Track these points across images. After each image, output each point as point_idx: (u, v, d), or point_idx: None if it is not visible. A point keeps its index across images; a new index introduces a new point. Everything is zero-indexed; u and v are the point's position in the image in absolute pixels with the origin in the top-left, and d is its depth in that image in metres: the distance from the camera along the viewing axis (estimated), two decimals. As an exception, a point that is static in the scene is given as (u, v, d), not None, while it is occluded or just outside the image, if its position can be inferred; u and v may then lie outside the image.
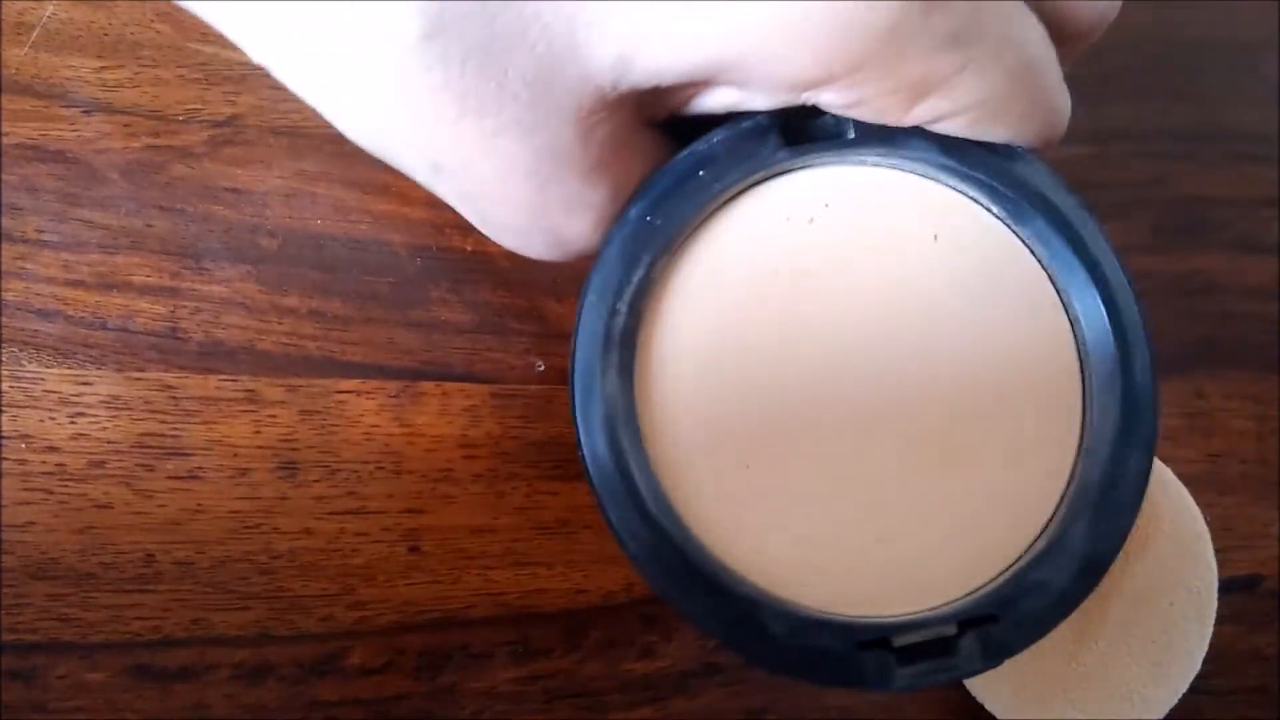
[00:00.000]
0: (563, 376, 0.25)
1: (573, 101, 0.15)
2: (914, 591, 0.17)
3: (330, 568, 0.23)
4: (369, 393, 0.24)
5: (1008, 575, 0.17)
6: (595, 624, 0.25)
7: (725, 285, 0.18)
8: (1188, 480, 0.28)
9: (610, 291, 0.17)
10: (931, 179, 0.18)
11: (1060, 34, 0.17)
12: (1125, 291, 0.17)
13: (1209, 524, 0.28)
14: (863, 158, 0.18)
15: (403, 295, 0.25)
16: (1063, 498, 0.17)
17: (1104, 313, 0.17)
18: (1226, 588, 0.28)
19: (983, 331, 0.18)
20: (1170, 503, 0.28)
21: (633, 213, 0.17)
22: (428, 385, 0.25)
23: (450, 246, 0.26)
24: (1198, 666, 0.27)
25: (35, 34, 0.25)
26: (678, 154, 0.17)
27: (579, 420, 0.17)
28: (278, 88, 0.27)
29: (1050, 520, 0.17)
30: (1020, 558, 0.17)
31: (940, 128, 0.17)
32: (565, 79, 0.15)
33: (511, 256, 0.26)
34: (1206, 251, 0.31)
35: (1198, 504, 0.28)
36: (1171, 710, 0.27)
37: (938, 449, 0.18)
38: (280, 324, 0.25)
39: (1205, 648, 0.27)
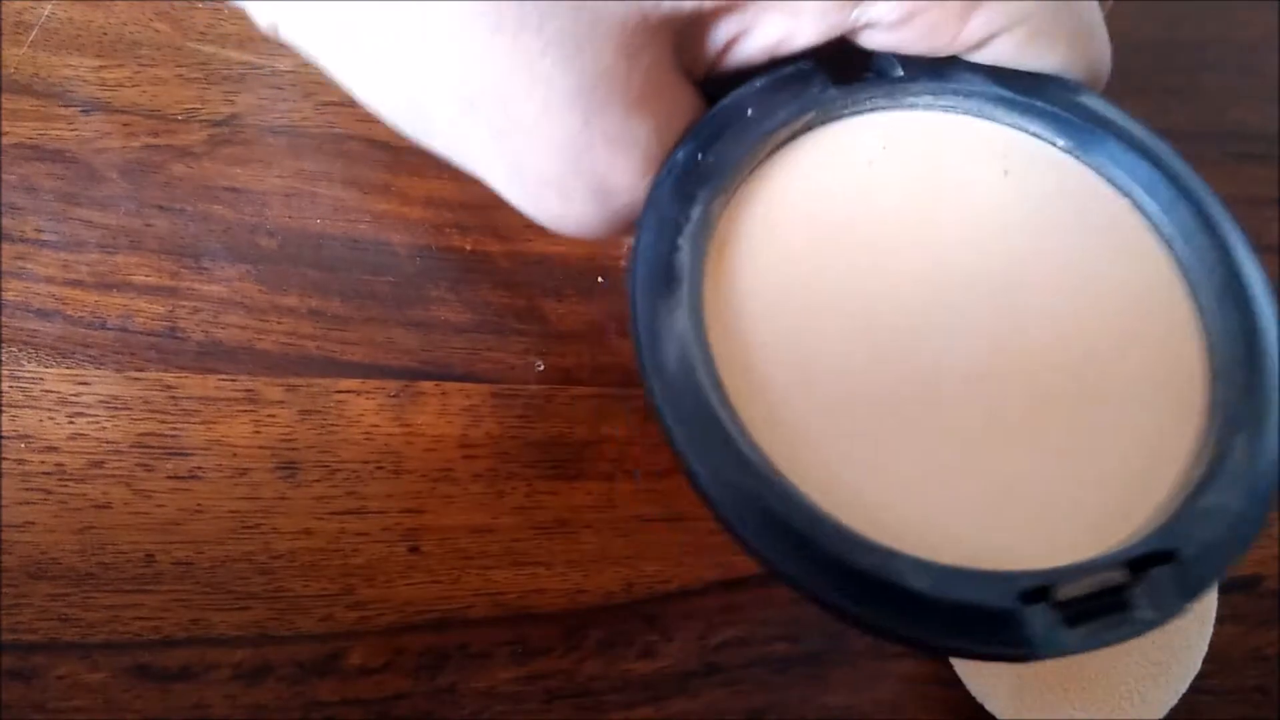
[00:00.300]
0: (563, 376, 0.25)
1: (617, 19, 0.15)
2: (1065, 541, 0.15)
3: (330, 568, 0.23)
4: (368, 392, 0.24)
5: (1175, 507, 0.15)
6: (595, 624, 0.25)
7: (789, 231, 0.17)
8: (1188, 480, 0.28)
9: (668, 228, 0.16)
10: (988, 118, 0.17)
11: None
12: (1212, 198, 0.17)
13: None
14: (914, 100, 0.17)
15: (402, 295, 0.25)
16: (1209, 419, 0.16)
17: (1198, 221, 0.16)
18: (1226, 588, 0.28)
19: (1075, 263, 0.16)
20: (1170, 503, 0.28)
21: (681, 154, 0.16)
22: (427, 385, 0.25)
23: (450, 246, 0.26)
24: (1198, 666, 0.27)
25: (34, 33, 0.25)
26: (722, 100, 0.17)
27: (652, 364, 0.15)
28: (277, 87, 0.27)
29: (1203, 445, 0.15)
30: (1178, 489, 0.15)
31: (991, 51, 0.16)
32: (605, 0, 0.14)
33: (511, 256, 0.26)
34: (1206, 251, 0.30)
35: (1198, 504, 0.28)
36: (1171, 710, 0.27)
37: (1058, 388, 0.16)
38: (279, 324, 0.24)
39: (1205, 648, 0.27)
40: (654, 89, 0.16)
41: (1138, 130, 0.17)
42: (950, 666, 0.26)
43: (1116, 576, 0.14)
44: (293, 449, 0.24)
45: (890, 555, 0.13)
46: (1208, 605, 0.28)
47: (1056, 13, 0.16)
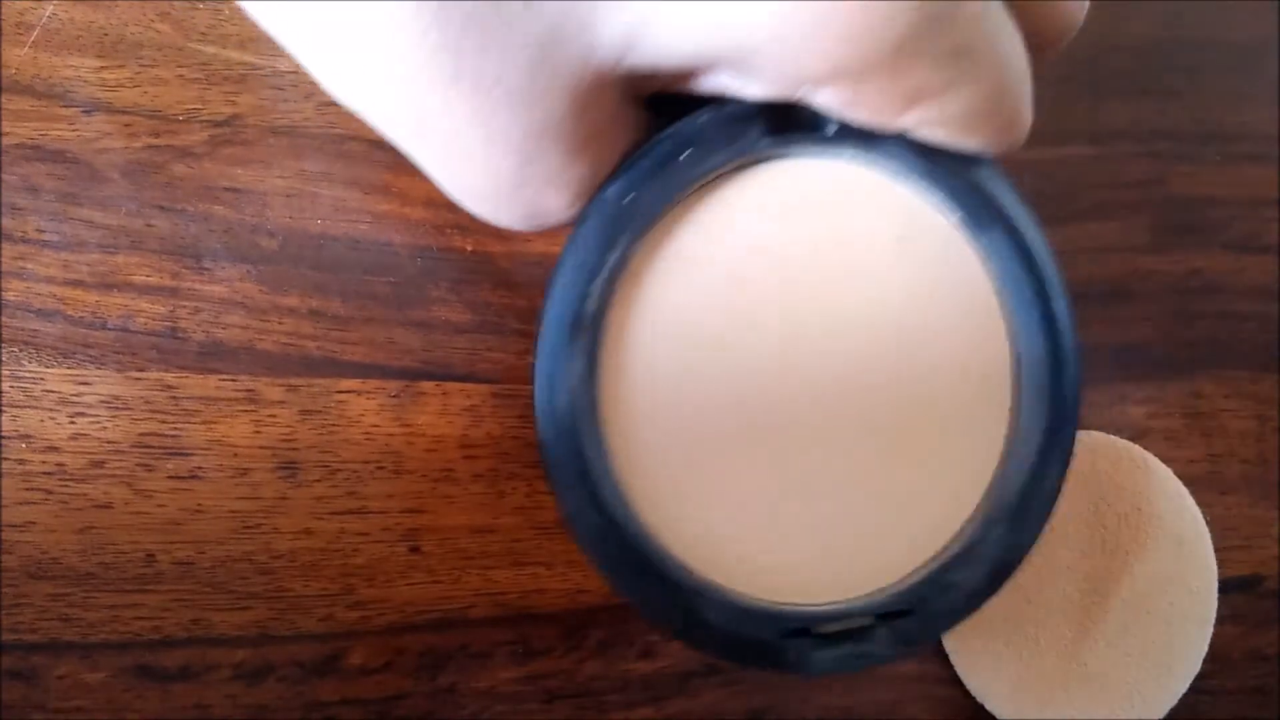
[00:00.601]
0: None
1: (573, 77, 0.15)
2: (840, 582, 0.18)
3: (330, 568, 0.23)
4: (369, 393, 0.24)
5: (924, 574, 0.18)
6: (595, 624, 0.25)
7: (693, 272, 0.18)
8: (1188, 480, 0.28)
9: (584, 274, 0.17)
10: (901, 181, 0.18)
11: (1031, 43, 0.17)
12: (1064, 310, 0.18)
13: (1209, 524, 0.28)
14: (839, 153, 0.18)
15: (403, 295, 0.25)
16: (981, 504, 0.18)
17: (1042, 328, 0.18)
18: (1226, 588, 0.28)
19: (927, 335, 0.18)
20: (1170, 503, 0.28)
21: (611, 192, 0.17)
22: (428, 385, 0.25)
23: (450, 246, 0.26)
24: (1198, 666, 0.27)
25: (35, 34, 0.25)
26: (660, 133, 0.17)
27: (539, 405, 0.17)
28: (278, 88, 0.27)
29: (967, 523, 0.18)
30: (937, 557, 0.18)
31: (920, 133, 0.17)
32: (568, 52, 0.15)
33: (512, 257, 0.26)
34: (1206, 251, 0.30)
35: (1198, 504, 0.28)
36: (1171, 710, 0.27)
37: (872, 447, 0.18)
38: (280, 324, 0.25)
39: (1205, 648, 0.27)
40: (597, 133, 0.16)
41: (1023, 223, 0.18)
42: (950, 666, 0.26)
43: (865, 620, 0.18)
44: (293, 449, 0.24)
45: (698, 594, 0.17)
46: (1208, 605, 0.28)
47: (987, 111, 0.16)
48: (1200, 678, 0.27)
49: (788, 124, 0.17)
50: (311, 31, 0.15)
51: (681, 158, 0.17)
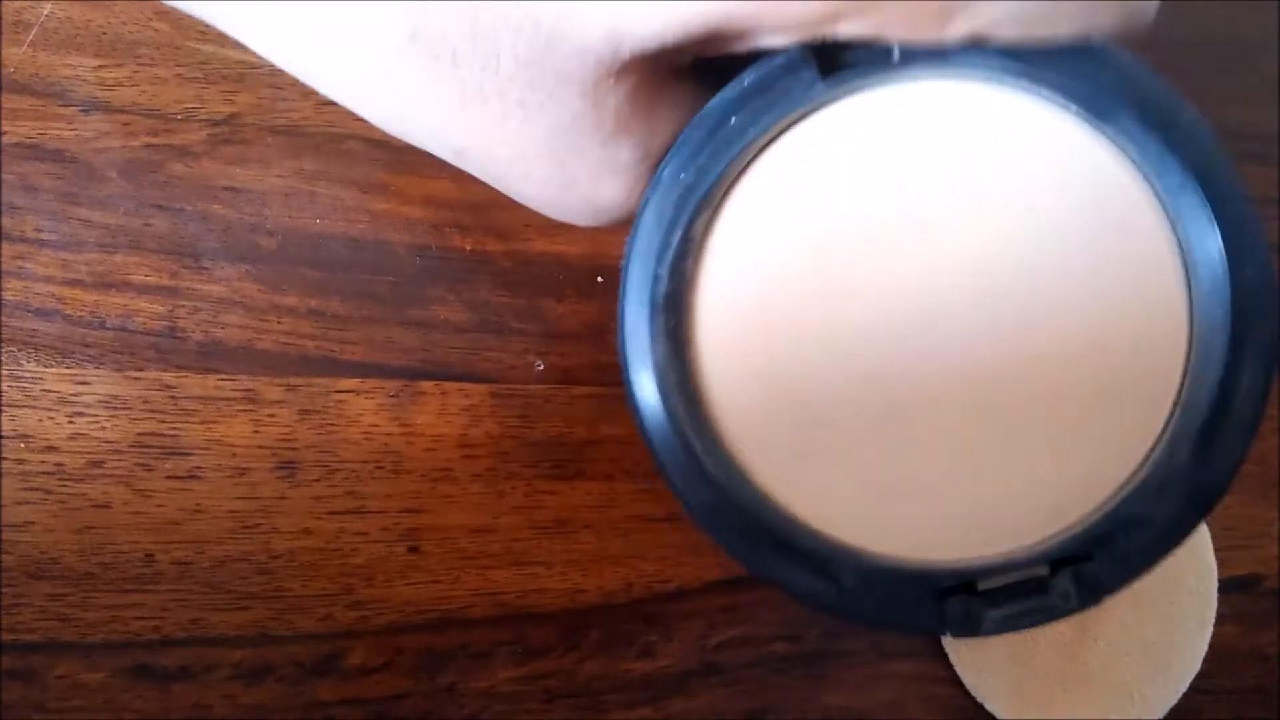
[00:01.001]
0: (562, 375, 0.25)
1: (575, 75, 0.15)
2: (1001, 533, 0.16)
3: (329, 567, 0.23)
4: (368, 392, 0.24)
5: (1104, 512, 0.16)
6: (595, 624, 0.25)
7: (773, 237, 0.17)
8: (1187, 480, 0.28)
9: (650, 256, 0.16)
10: (995, 86, 0.16)
11: None
12: (1231, 183, 0.15)
13: (1209, 524, 0.28)
14: (913, 78, 0.16)
15: (402, 295, 0.25)
16: (1166, 425, 0.16)
17: (1208, 208, 0.15)
18: (1226, 588, 0.28)
19: (1072, 249, 0.16)
20: (1170, 502, 0.28)
21: (665, 172, 0.16)
22: (427, 385, 0.25)
23: (449, 246, 0.26)
24: (1198, 666, 0.27)
25: (33, 33, 0.25)
26: (707, 103, 0.16)
27: (632, 391, 0.16)
28: (276, 86, 0.27)
29: (1152, 450, 0.16)
30: (1118, 492, 0.16)
31: (994, 38, 0.14)
32: (561, 55, 0.15)
33: (511, 256, 0.26)
34: (1206, 251, 0.30)
35: (1197, 504, 0.28)
36: (1171, 710, 0.27)
37: (1022, 383, 0.16)
38: (279, 323, 0.24)
39: (1205, 648, 0.27)
40: (631, 115, 0.16)
41: (1157, 97, 0.15)
42: (950, 666, 0.26)
43: (1039, 570, 0.16)
44: (292, 449, 0.24)
45: (824, 556, 0.16)
46: (1208, 605, 0.28)
47: None
48: (1200, 678, 0.27)
49: (843, 60, 0.15)
50: (341, 83, 0.16)
51: (732, 122, 0.16)
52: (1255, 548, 0.29)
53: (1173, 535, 0.15)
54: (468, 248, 0.26)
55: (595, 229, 0.18)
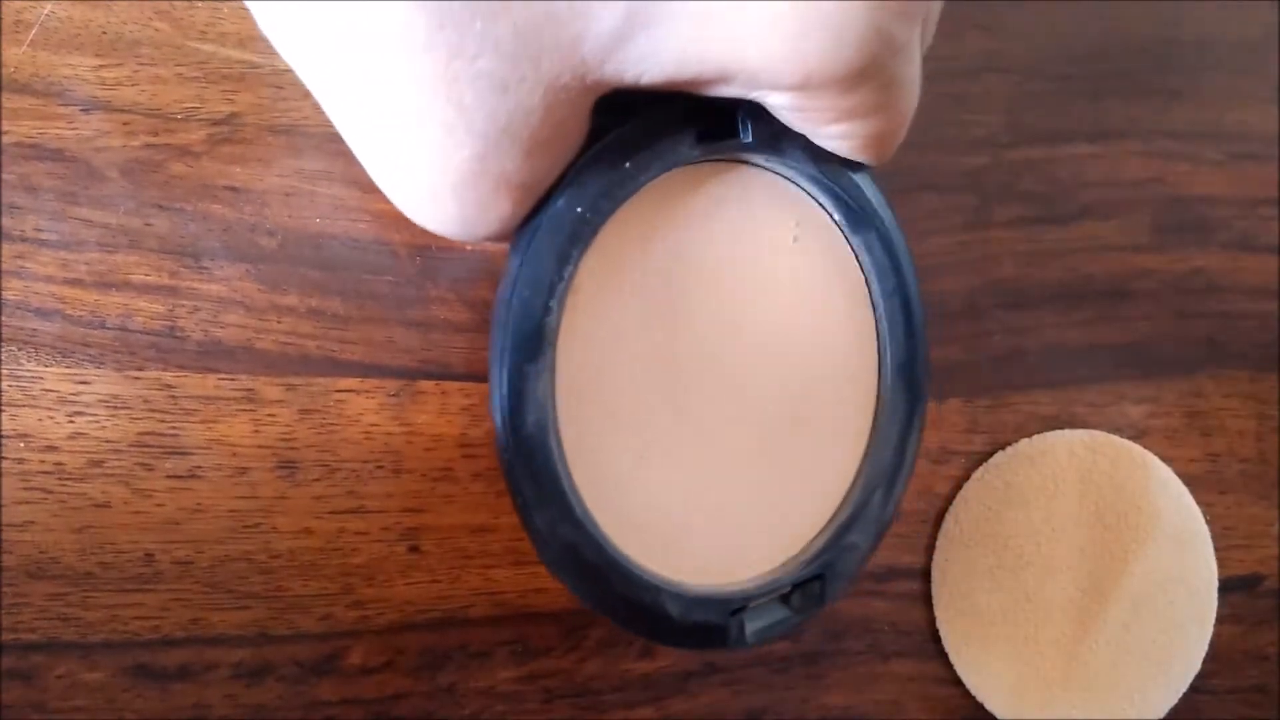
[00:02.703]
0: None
1: (554, 69, 0.15)
2: (755, 558, 0.20)
3: (330, 567, 0.23)
4: (368, 392, 0.24)
5: (827, 539, 0.20)
6: (595, 623, 0.25)
7: (627, 279, 0.18)
8: (1188, 480, 0.28)
9: (543, 288, 0.17)
10: (799, 185, 0.20)
11: None
12: (918, 302, 0.21)
13: (1209, 524, 0.28)
14: (751, 158, 0.19)
15: (402, 294, 0.25)
16: (860, 473, 0.21)
17: (901, 317, 0.20)
18: (1226, 588, 0.28)
19: (813, 325, 0.20)
20: (1170, 503, 0.28)
21: (561, 204, 0.17)
22: (427, 384, 0.25)
23: (450, 246, 0.26)
24: (1198, 666, 0.27)
25: (34, 32, 0.25)
26: (603, 141, 0.17)
27: (502, 425, 0.16)
28: (277, 86, 0.27)
29: (851, 491, 0.21)
30: (830, 524, 0.20)
31: (832, 145, 0.18)
32: (557, 41, 0.14)
33: (511, 256, 0.26)
34: (1206, 251, 0.30)
35: (1198, 504, 0.28)
36: (1171, 710, 0.27)
37: (774, 433, 0.20)
38: (279, 323, 0.24)
39: (1205, 648, 0.27)
40: (558, 135, 0.16)
41: (890, 225, 0.20)
42: (950, 666, 0.26)
43: (785, 590, 0.20)
44: (292, 448, 0.24)
45: (658, 590, 0.18)
46: (1208, 605, 0.28)
47: (894, 134, 0.18)
48: (1200, 677, 0.27)
49: (713, 132, 0.18)
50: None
51: (625, 166, 0.17)
52: (1255, 548, 0.29)
53: (867, 556, 0.20)
54: (468, 248, 0.26)
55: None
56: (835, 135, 0.18)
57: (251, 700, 0.23)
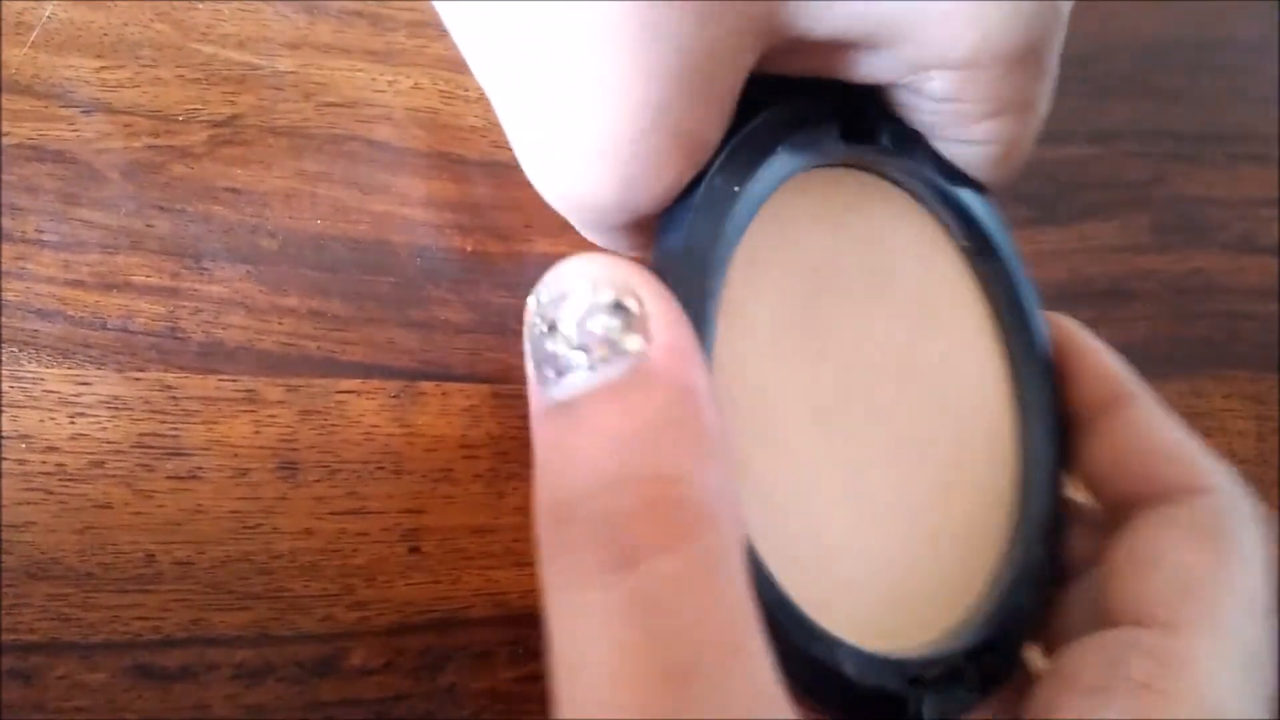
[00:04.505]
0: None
1: (748, 10, 0.14)
2: (918, 618, 0.17)
3: (330, 568, 0.23)
4: (369, 393, 0.24)
5: (994, 602, 0.17)
6: (595, 624, 0.24)
7: (774, 278, 0.16)
8: (1188, 480, 0.28)
9: (705, 268, 0.14)
10: (922, 202, 0.18)
11: None
12: (1045, 338, 0.19)
13: (1209, 524, 0.28)
14: (884, 166, 0.18)
15: (403, 295, 0.25)
16: (1017, 524, 0.18)
17: (1032, 352, 0.18)
18: (1227, 588, 0.28)
19: (942, 357, 0.18)
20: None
21: (716, 180, 0.15)
22: (428, 385, 0.25)
23: (450, 247, 0.26)
24: (1198, 666, 0.27)
25: (35, 34, 0.25)
26: (755, 122, 0.15)
27: None
28: (278, 88, 0.27)
29: (1010, 544, 0.18)
30: (994, 582, 0.18)
31: (970, 151, 0.17)
32: None
33: (512, 257, 0.26)
34: (1206, 251, 0.30)
35: (1198, 504, 0.28)
36: (1172, 710, 0.27)
37: (917, 473, 0.18)
38: (280, 324, 0.25)
39: (1206, 648, 0.27)
40: (732, 91, 0.15)
41: (1012, 257, 0.19)
42: None
43: (959, 662, 0.17)
44: (293, 449, 0.24)
45: (835, 645, 0.15)
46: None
47: (1026, 142, 0.18)
48: (1201, 678, 0.27)
49: (859, 131, 0.17)
50: None
51: (778, 150, 0.15)
52: (1256, 548, 0.29)
53: (1037, 619, 0.18)
54: (469, 249, 0.26)
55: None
56: (980, 136, 0.17)
57: (251, 700, 0.23)
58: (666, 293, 0.14)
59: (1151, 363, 0.30)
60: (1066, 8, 0.16)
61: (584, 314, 0.13)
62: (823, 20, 0.15)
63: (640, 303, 0.13)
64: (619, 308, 0.13)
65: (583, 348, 0.13)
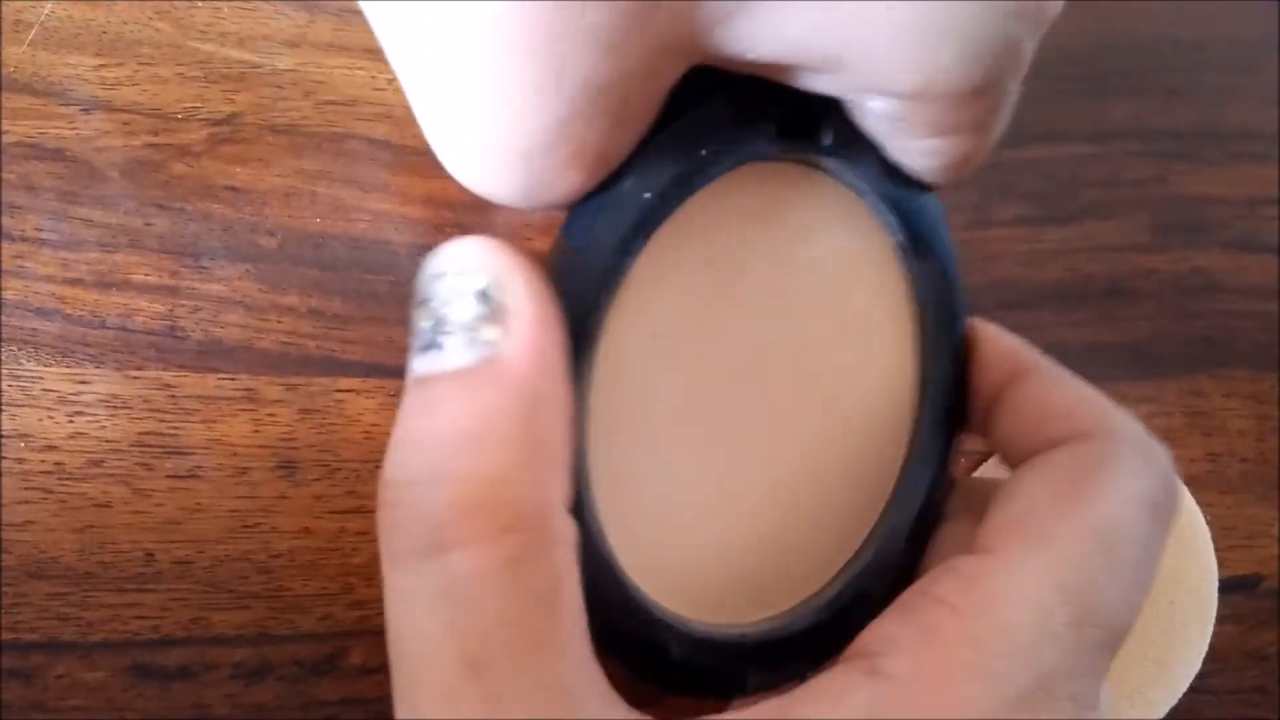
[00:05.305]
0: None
1: (661, 38, 0.13)
2: (759, 600, 0.18)
3: (329, 567, 0.23)
4: (368, 392, 0.24)
5: (841, 586, 0.18)
6: (595, 623, 0.24)
7: (680, 277, 0.16)
8: (1188, 480, 0.28)
9: (595, 275, 0.15)
10: (863, 197, 0.18)
11: None
12: (964, 341, 0.19)
13: (1209, 524, 0.28)
14: (825, 163, 0.17)
15: (402, 294, 0.25)
16: (883, 518, 0.19)
17: (951, 355, 0.18)
18: (1226, 588, 0.28)
19: (858, 353, 0.18)
20: (1170, 502, 0.28)
21: (626, 184, 0.15)
22: (427, 384, 0.25)
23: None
24: (1198, 666, 0.27)
25: (34, 32, 0.25)
26: (679, 124, 0.15)
27: None
28: (277, 86, 0.27)
29: (872, 537, 0.18)
30: (848, 568, 0.18)
31: (917, 161, 0.17)
32: (670, 10, 0.13)
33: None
34: (1206, 251, 0.30)
35: (1198, 503, 0.28)
36: (1171, 710, 0.27)
37: (794, 461, 0.18)
38: (279, 323, 0.24)
39: (1205, 648, 0.27)
40: (648, 108, 0.15)
41: (947, 257, 0.19)
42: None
43: (795, 640, 0.17)
44: (292, 448, 0.24)
45: (665, 626, 0.16)
46: (1208, 605, 0.28)
47: (979, 155, 0.17)
48: (1200, 678, 0.27)
49: (794, 130, 0.16)
50: None
51: (702, 154, 0.15)
52: (1255, 548, 0.29)
53: (882, 609, 0.17)
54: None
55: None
56: (926, 151, 0.16)
57: (251, 700, 0.23)
58: (541, 293, 0.14)
59: (1151, 362, 0.30)
60: (1030, 47, 0.15)
61: (453, 295, 0.14)
62: (754, 49, 0.14)
63: (509, 296, 0.13)
64: (486, 297, 0.14)
65: (444, 328, 0.14)
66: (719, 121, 0.15)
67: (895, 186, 0.17)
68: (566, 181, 0.14)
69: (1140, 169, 0.31)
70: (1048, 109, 0.30)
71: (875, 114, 0.16)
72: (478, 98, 0.14)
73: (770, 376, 0.18)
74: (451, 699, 0.13)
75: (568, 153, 0.14)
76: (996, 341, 0.19)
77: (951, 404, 0.19)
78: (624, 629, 0.16)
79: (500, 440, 0.13)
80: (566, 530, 0.14)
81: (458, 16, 0.13)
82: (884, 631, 0.15)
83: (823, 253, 0.18)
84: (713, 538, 0.17)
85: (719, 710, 0.15)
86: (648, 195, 0.15)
